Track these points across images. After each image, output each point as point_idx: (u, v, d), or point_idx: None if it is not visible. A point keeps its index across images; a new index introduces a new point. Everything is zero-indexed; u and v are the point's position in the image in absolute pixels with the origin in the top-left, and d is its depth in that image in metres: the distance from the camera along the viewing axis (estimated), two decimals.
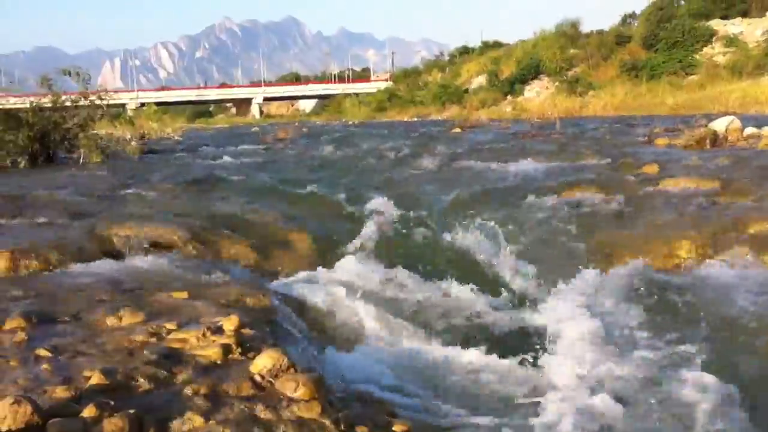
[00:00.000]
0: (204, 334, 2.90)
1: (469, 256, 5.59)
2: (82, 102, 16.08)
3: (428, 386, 3.03)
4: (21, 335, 2.87)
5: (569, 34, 55.07)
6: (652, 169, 9.25)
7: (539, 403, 2.92)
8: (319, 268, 5.10)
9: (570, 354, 3.43)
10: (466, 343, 3.88)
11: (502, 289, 5.06)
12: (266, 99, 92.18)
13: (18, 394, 2.07)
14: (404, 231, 6.47)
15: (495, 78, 56.73)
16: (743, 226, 5.61)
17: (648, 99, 39.29)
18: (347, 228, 6.79)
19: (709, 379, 3.02)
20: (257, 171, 12.64)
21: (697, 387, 2.98)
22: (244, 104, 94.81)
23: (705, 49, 45.93)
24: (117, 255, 5.08)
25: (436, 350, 3.58)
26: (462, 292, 4.71)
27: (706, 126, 13.24)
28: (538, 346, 3.70)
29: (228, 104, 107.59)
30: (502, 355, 3.43)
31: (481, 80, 59.12)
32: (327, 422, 2.28)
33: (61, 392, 2.25)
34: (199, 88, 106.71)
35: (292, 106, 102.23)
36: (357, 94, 76.66)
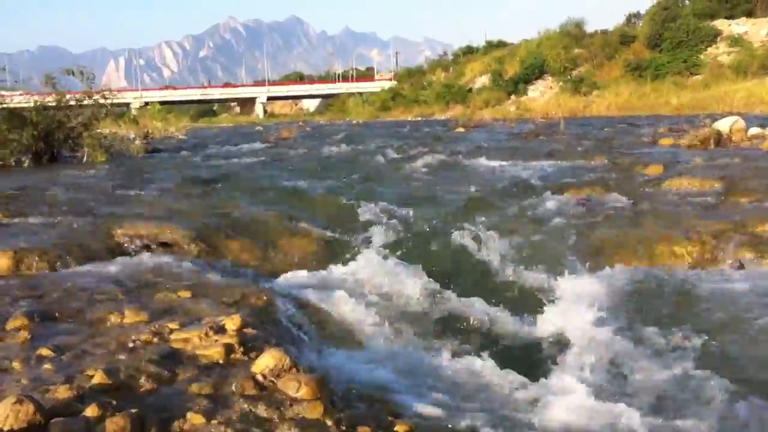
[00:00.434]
0: (206, 334, 2.90)
1: (472, 255, 5.58)
2: (87, 101, 16.12)
3: (431, 387, 3.03)
4: (24, 334, 2.88)
5: (573, 34, 55.02)
6: (656, 169, 9.24)
7: (543, 405, 2.91)
8: (323, 268, 5.10)
9: (573, 356, 3.43)
10: (470, 344, 3.88)
11: (506, 289, 5.05)
12: (270, 98, 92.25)
13: (20, 394, 2.08)
14: (408, 231, 6.46)
15: (499, 77, 56.70)
16: (747, 227, 5.60)
17: (652, 99, 39.26)
18: (351, 228, 6.78)
19: (714, 380, 3.01)
20: (261, 170, 12.65)
21: (701, 389, 2.98)
22: (248, 103, 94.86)
23: (709, 49, 45.88)
24: (120, 254, 5.09)
25: (440, 351, 3.58)
26: (466, 293, 4.71)
27: (710, 126, 13.22)
28: (541, 348, 3.70)
29: (232, 103, 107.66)
30: (506, 357, 3.43)
31: (484, 80, 59.08)
32: (329, 422, 2.27)
33: (63, 391, 2.26)
34: (203, 87, 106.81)
35: (296, 105, 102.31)
36: (361, 94, 76.64)
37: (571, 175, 9.77)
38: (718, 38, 46.43)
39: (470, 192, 8.84)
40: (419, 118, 51.95)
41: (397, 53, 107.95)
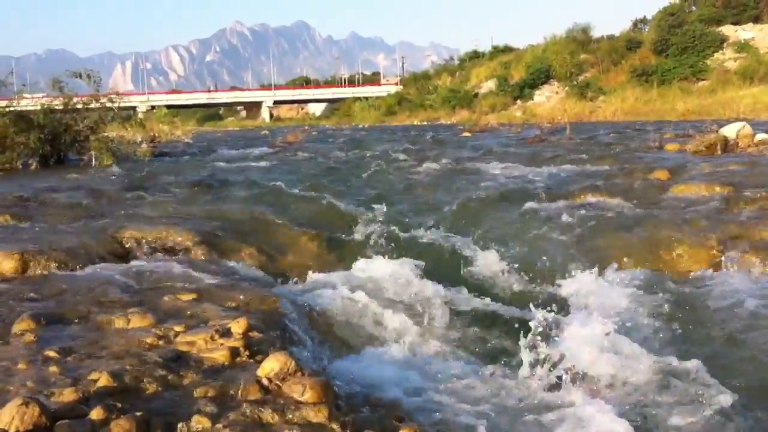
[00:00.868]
0: (212, 337, 2.91)
1: (478, 259, 5.58)
2: (93, 104, 16.17)
3: (436, 391, 3.02)
4: (30, 337, 2.88)
5: (580, 39, 55.01)
6: (662, 174, 9.22)
7: (548, 408, 2.91)
8: (328, 272, 5.10)
9: (579, 361, 3.42)
10: (475, 348, 3.87)
11: (510, 293, 5.05)
12: (276, 102, 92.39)
13: (26, 396, 2.08)
14: (413, 234, 6.46)
15: (505, 82, 56.70)
16: (754, 233, 5.58)
17: (658, 104, 39.24)
18: (356, 231, 6.79)
19: (719, 386, 3.00)
20: (266, 174, 12.66)
21: (706, 393, 2.96)
22: (254, 107, 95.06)
23: (716, 55, 45.80)
24: (126, 257, 5.10)
25: (446, 356, 3.58)
26: (471, 297, 4.70)
27: (716, 132, 13.18)
28: (547, 352, 3.69)
29: (238, 107, 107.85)
30: (511, 361, 3.42)
31: (490, 85, 59.10)
32: (334, 426, 2.27)
33: (69, 394, 2.26)
34: (209, 91, 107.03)
35: (302, 109, 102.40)
36: (367, 98, 76.74)
37: (577, 180, 9.76)
38: (725, 44, 46.35)
39: (475, 196, 8.83)
40: (425, 123, 52.01)
41: (403, 58, 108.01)
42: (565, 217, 6.86)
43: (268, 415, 2.26)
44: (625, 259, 5.33)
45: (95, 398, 2.25)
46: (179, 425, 2.14)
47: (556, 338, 3.82)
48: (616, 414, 2.74)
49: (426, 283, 4.80)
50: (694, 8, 51.96)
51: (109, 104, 16.56)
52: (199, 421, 2.16)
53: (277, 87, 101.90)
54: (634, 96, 42.95)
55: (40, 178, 11.49)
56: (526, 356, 3.45)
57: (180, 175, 12.19)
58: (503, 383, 3.17)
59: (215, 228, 6.06)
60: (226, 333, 2.98)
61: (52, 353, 2.68)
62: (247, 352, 2.79)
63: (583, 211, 7.09)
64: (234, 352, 2.76)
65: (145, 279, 4.22)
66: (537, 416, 2.85)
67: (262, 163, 15.50)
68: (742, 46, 45.61)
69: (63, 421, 2.03)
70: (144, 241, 5.48)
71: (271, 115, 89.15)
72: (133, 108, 55.14)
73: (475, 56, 72.43)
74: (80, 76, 16.55)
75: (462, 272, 5.49)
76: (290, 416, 2.27)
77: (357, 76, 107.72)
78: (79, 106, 15.93)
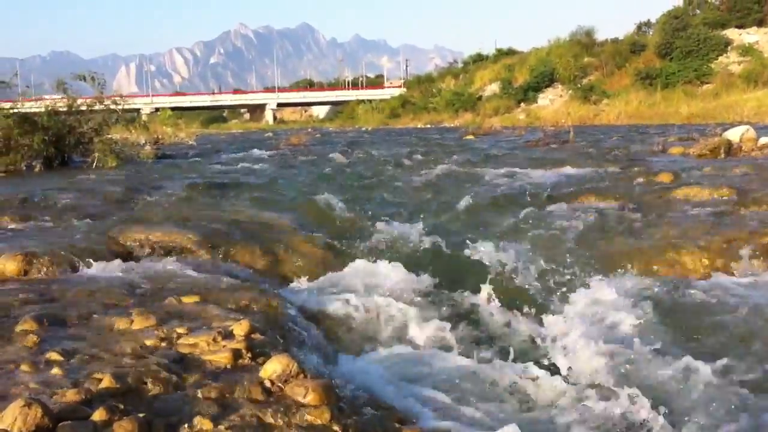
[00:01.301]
0: (214, 339, 2.91)
1: (480, 262, 5.57)
2: (97, 106, 16.20)
3: (439, 393, 3.02)
4: (32, 338, 2.88)
5: (583, 43, 55.04)
6: (665, 177, 9.21)
7: (551, 412, 2.90)
8: (331, 274, 5.10)
9: (583, 364, 3.41)
10: (478, 350, 3.86)
11: (514, 297, 5.04)
12: (280, 105, 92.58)
13: (29, 397, 2.08)
14: (416, 238, 6.46)
15: (508, 85, 56.75)
16: (757, 236, 5.57)
17: (662, 108, 39.22)
18: (359, 234, 6.78)
19: (726, 389, 3.00)
20: (269, 177, 12.67)
21: (710, 397, 2.96)
22: (257, 110, 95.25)
23: (720, 58, 45.80)
24: (129, 259, 5.10)
25: (448, 357, 3.57)
26: (473, 300, 4.70)
27: (720, 135, 13.18)
28: (550, 355, 3.68)
29: (242, 110, 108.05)
30: (515, 364, 3.41)
31: (494, 88, 59.14)
32: (336, 428, 2.27)
33: (71, 395, 2.26)
34: (213, 93, 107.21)
35: (306, 112, 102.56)
36: (370, 101, 76.83)
37: (581, 183, 9.75)
38: (729, 47, 46.35)
39: (478, 199, 8.83)
40: (429, 126, 52.04)
41: (407, 61, 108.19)
42: (567, 221, 6.86)
43: (270, 417, 2.26)
44: (628, 262, 5.32)
45: (98, 399, 2.25)
46: (181, 427, 2.14)
47: (560, 341, 3.82)
48: (621, 414, 2.74)
49: (428, 286, 4.80)
50: (698, 11, 51.98)
51: (113, 106, 16.58)
52: (201, 423, 2.16)
53: (281, 89, 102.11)
54: (638, 99, 42.95)
55: (44, 180, 11.51)
56: (529, 358, 3.44)
57: (183, 177, 12.20)
58: (506, 385, 3.16)
59: (218, 230, 6.06)
60: (229, 335, 2.98)
61: (54, 355, 2.68)
62: (249, 354, 2.78)
63: (586, 215, 7.09)
64: (236, 354, 2.76)
65: (148, 280, 4.23)
66: (540, 417, 2.85)
67: (266, 166, 15.52)
68: (746, 50, 45.61)
69: (65, 423, 2.03)
70: (147, 242, 5.48)
71: (275, 118, 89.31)
72: (137, 110, 55.31)
73: (479, 59, 72.47)
74: (84, 78, 16.59)
75: (464, 274, 5.48)
76: (292, 418, 2.27)
77: (360, 79, 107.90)
78: (84, 108, 15.96)
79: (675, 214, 6.75)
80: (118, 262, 4.73)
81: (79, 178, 11.48)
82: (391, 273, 4.95)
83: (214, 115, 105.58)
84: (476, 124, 39.67)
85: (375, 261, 5.27)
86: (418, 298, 4.59)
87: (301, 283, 4.99)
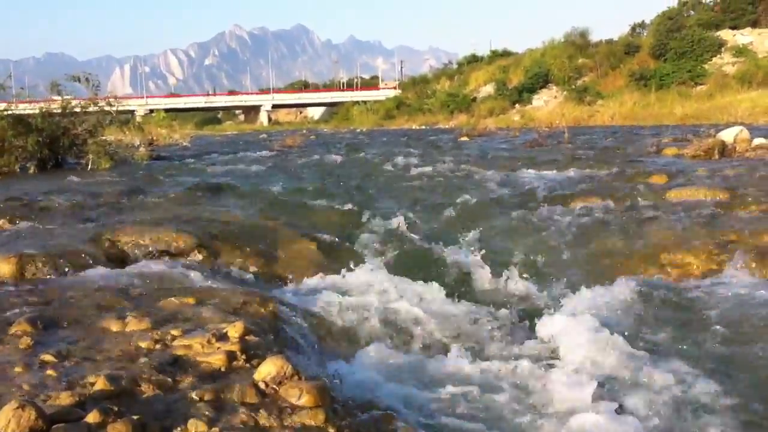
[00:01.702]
0: (209, 341, 2.90)
1: (475, 265, 5.58)
2: (92, 108, 16.18)
3: (433, 395, 3.02)
4: (26, 340, 2.88)
5: (578, 44, 55.09)
6: (660, 179, 9.24)
7: (547, 415, 2.91)
8: (326, 276, 5.10)
9: (578, 366, 3.42)
10: (473, 354, 3.87)
11: (509, 300, 5.04)
12: (275, 106, 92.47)
13: (22, 399, 2.08)
14: (411, 240, 6.46)
15: (503, 87, 56.77)
16: (751, 238, 5.58)
17: (656, 109, 39.26)
18: (354, 236, 6.79)
19: (722, 390, 3.01)
20: (264, 178, 12.67)
21: (706, 399, 2.97)
22: (252, 111, 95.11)
23: (714, 59, 45.89)
24: (123, 261, 5.10)
25: (443, 361, 3.57)
26: (469, 302, 4.70)
27: (714, 136, 13.21)
28: (546, 358, 3.69)
29: (236, 111, 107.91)
30: (510, 368, 3.42)
31: (489, 89, 59.16)
32: (331, 430, 2.27)
33: (65, 398, 2.26)
34: (207, 95, 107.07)
35: (301, 113, 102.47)
36: (365, 102, 76.81)
37: (575, 184, 9.77)
38: (723, 48, 46.44)
39: (473, 201, 8.84)
40: (424, 127, 52.02)
41: (401, 62, 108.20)
42: (561, 222, 6.87)
43: (264, 419, 2.26)
44: (621, 263, 5.33)
45: (91, 402, 2.24)
46: (175, 429, 2.14)
47: (556, 342, 3.83)
48: (617, 417, 2.75)
49: (423, 288, 4.80)
50: (692, 12, 52.09)
51: (107, 108, 16.57)
52: (195, 425, 2.16)
53: (276, 91, 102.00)
54: (632, 100, 42.99)
55: (38, 182, 11.49)
56: (525, 360, 3.45)
57: (178, 178, 12.19)
58: (501, 387, 3.16)
59: (213, 231, 6.06)
60: (223, 337, 2.97)
61: (48, 357, 2.67)
62: (243, 356, 2.78)
63: (580, 216, 7.10)
64: (231, 356, 2.75)
65: (143, 282, 4.22)
66: (536, 419, 2.85)
67: (261, 167, 15.51)
68: (740, 51, 45.71)
69: (59, 425, 2.03)
70: (141, 244, 5.47)
71: (270, 119, 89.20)
72: (132, 111, 55.22)
73: (474, 60, 72.46)
74: (79, 79, 16.58)
75: (459, 276, 5.49)
76: (287, 420, 2.27)
77: (355, 80, 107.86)
78: (78, 109, 15.93)
79: (669, 215, 6.77)
80: (112, 263, 4.73)
81: (73, 180, 11.45)
82: (385, 274, 4.95)
83: (209, 116, 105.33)
84: (471, 126, 39.65)
85: (369, 262, 5.28)
86: (415, 302, 4.59)
87: (296, 284, 4.99)
